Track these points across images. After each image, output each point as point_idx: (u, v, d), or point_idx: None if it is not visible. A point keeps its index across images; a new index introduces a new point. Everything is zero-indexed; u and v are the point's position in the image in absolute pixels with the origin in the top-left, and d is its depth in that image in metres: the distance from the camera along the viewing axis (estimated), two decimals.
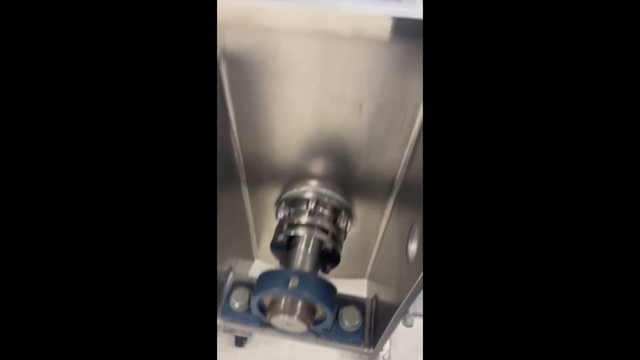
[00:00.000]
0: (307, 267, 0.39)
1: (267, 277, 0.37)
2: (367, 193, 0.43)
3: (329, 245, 0.40)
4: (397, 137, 0.36)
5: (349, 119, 0.35)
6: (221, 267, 0.46)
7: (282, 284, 0.35)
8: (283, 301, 0.36)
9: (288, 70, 0.32)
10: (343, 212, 0.43)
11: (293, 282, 0.35)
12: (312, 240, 0.39)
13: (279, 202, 0.45)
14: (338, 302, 0.41)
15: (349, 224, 0.44)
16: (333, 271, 0.46)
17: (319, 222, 0.40)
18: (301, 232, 0.40)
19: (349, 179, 0.41)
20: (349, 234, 0.46)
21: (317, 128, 0.36)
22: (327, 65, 0.31)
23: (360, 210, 0.45)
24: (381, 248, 0.50)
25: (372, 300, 0.43)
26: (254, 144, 0.40)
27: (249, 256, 0.59)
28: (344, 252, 0.46)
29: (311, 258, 0.39)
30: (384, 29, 0.27)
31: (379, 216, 0.46)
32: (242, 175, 0.43)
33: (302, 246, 0.40)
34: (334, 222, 0.42)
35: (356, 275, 0.57)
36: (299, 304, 0.36)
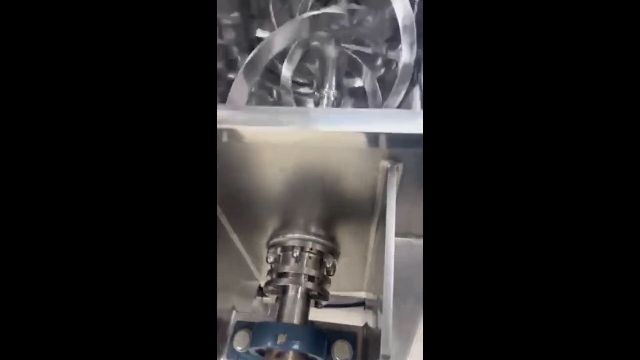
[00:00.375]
0: (296, 317, 0.42)
1: (260, 331, 0.41)
2: (350, 232, 0.45)
3: (316, 291, 0.43)
4: (364, 194, 0.37)
5: (315, 188, 0.36)
6: (224, 306, 0.50)
7: (272, 338, 0.39)
8: (276, 352, 0.39)
9: (251, 157, 0.34)
10: (328, 253, 0.45)
11: (281, 339, 0.39)
12: (299, 289, 0.43)
13: (267, 247, 0.47)
14: (329, 335, 0.45)
15: (335, 262, 0.46)
16: (332, 286, 0.50)
17: (305, 270, 0.43)
18: (288, 282, 0.43)
19: (329, 226, 0.44)
20: (339, 265, 0.49)
21: (289, 195, 0.39)
22: (284, 155, 0.33)
23: (345, 246, 0.47)
24: (370, 269, 0.53)
25: (363, 327, 0.47)
26: (234, 204, 0.42)
27: (252, 278, 0.63)
28: (339, 271, 0.49)
29: (300, 306, 0.43)
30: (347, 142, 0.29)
31: (365, 246, 0.48)
32: (228, 227, 0.46)
33: (290, 295, 0.43)
34: (321, 262, 0.45)
35: (354, 288, 0.61)
36: (290, 353, 0.39)
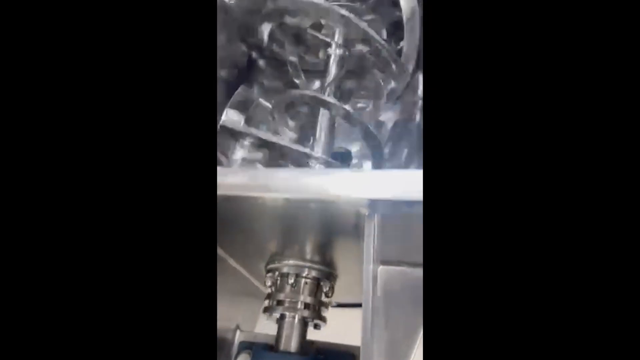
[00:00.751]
0: (294, 343, 0.43)
1: None
2: (345, 256, 0.45)
3: (312, 319, 0.44)
4: (352, 225, 0.37)
5: (304, 225, 0.36)
6: (227, 325, 0.52)
7: None
8: None
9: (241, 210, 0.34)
10: (325, 278, 0.45)
11: None
12: (296, 318, 0.43)
13: (265, 271, 0.48)
14: (327, 357, 0.45)
15: (333, 284, 0.46)
16: (335, 297, 0.50)
17: (301, 297, 0.43)
18: (284, 310, 0.43)
19: (324, 252, 0.44)
20: (339, 281, 0.49)
21: (279, 230, 0.39)
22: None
23: (342, 267, 0.47)
24: None
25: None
26: (227, 235, 0.42)
27: (257, 291, 0.64)
28: (339, 285, 0.50)
29: (297, 331, 0.43)
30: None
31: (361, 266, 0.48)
32: (223, 254, 0.47)
33: (287, 321, 0.43)
34: (318, 286, 0.45)
35: (357, 300, 0.61)
36: None
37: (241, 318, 0.54)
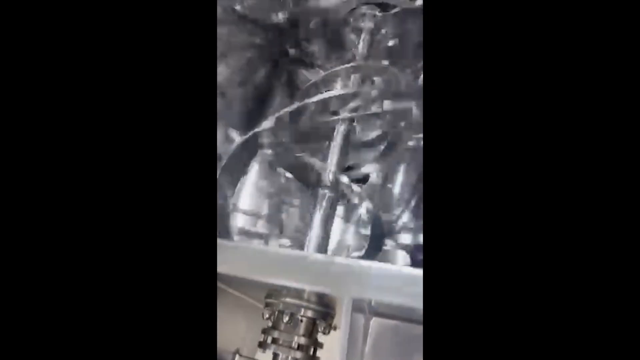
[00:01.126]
0: None
1: None
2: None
3: None
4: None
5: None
6: (227, 347, 0.52)
7: None
8: None
9: None
10: (322, 318, 0.44)
11: None
12: (289, 358, 0.42)
13: (264, 304, 0.47)
14: None
15: (331, 322, 0.45)
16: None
17: (295, 338, 0.42)
18: (278, 350, 0.43)
19: (320, 296, 0.42)
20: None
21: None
22: None
23: (339, 306, 0.46)
24: None
25: None
26: None
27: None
28: None
29: None
30: None
31: None
32: (223, 286, 0.46)
33: (282, 358, 0.43)
34: (314, 325, 0.44)
35: None
36: None
37: (241, 341, 0.54)
